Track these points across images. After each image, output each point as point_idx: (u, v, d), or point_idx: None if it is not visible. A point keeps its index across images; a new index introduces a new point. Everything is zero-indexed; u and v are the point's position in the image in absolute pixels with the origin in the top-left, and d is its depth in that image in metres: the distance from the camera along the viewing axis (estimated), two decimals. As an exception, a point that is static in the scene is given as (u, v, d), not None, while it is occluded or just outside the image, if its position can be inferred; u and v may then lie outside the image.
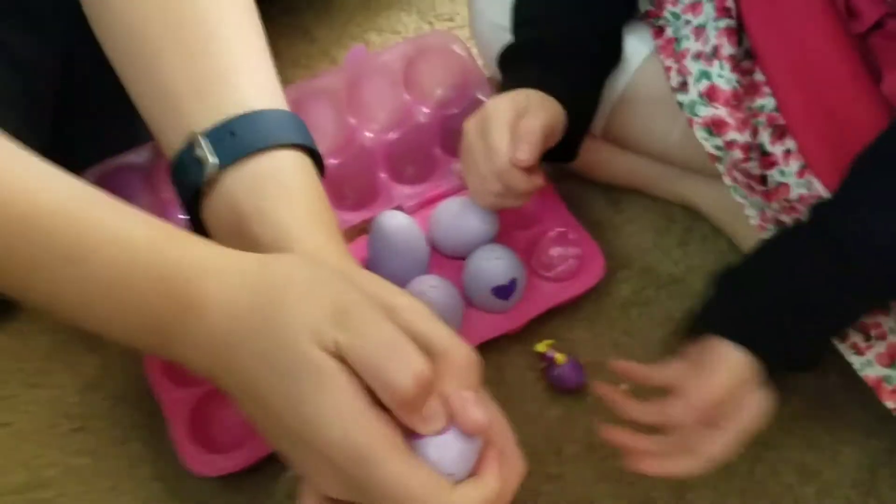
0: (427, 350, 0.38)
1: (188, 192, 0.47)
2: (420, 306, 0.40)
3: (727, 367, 0.51)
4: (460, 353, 0.39)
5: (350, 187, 0.73)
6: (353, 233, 0.69)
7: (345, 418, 0.36)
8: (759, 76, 0.59)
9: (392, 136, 0.74)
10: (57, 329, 0.65)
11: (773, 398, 0.51)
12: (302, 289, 0.38)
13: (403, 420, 0.37)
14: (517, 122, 0.58)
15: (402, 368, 0.36)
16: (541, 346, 0.65)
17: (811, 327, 0.53)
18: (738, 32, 0.59)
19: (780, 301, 0.52)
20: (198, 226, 0.48)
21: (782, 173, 0.59)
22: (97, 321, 0.40)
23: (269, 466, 0.58)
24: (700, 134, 0.60)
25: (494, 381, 0.64)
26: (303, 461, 0.39)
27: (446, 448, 0.38)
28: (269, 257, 0.41)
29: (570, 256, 0.67)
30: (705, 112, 0.59)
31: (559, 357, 0.63)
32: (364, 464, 0.36)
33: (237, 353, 0.38)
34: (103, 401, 0.62)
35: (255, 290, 0.39)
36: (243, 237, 0.45)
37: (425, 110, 0.74)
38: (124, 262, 0.39)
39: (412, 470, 0.36)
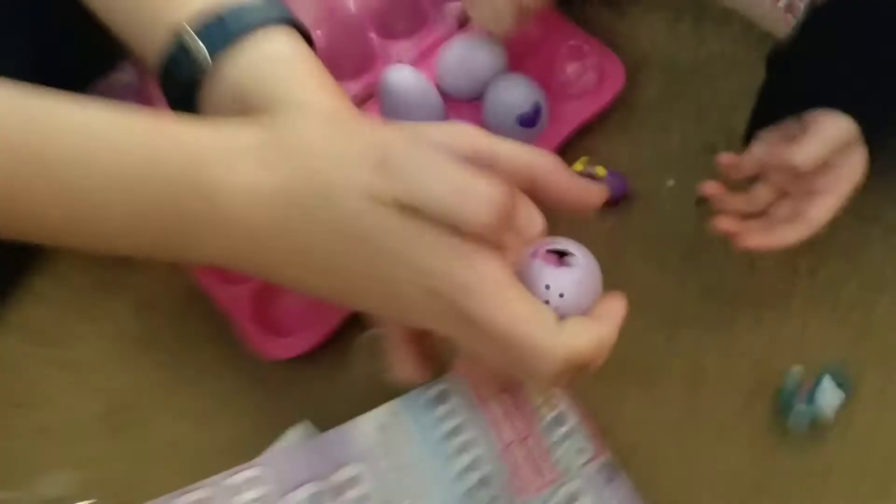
0: (495, 164, 0.36)
1: (181, 91, 0.44)
2: (468, 127, 0.38)
3: (825, 130, 0.50)
4: (539, 159, 0.38)
5: (344, 56, 0.70)
6: (357, 102, 0.67)
7: (441, 258, 0.35)
8: None
9: (374, -7, 0.70)
10: (97, 263, 0.64)
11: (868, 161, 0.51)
12: (328, 151, 0.36)
13: (498, 242, 0.36)
14: None
15: (478, 207, 0.34)
16: (578, 165, 0.63)
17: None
18: None
19: (863, 59, 0.51)
20: None
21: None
22: (106, 237, 0.37)
23: (340, 341, 0.58)
24: None
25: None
26: (397, 307, 0.38)
27: (557, 277, 0.37)
28: (268, 124, 0.38)
29: (587, 69, 0.65)
30: None
31: (599, 170, 0.62)
32: (468, 295, 0.35)
33: (285, 237, 0.36)
34: (162, 317, 0.61)
35: (273, 167, 0.36)
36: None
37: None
38: (117, 170, 0.36)
39: (516, 303, 0.35)
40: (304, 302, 0.60)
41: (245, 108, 0.42)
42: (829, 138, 0.50)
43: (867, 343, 0.58)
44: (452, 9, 0.69)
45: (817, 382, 0.56)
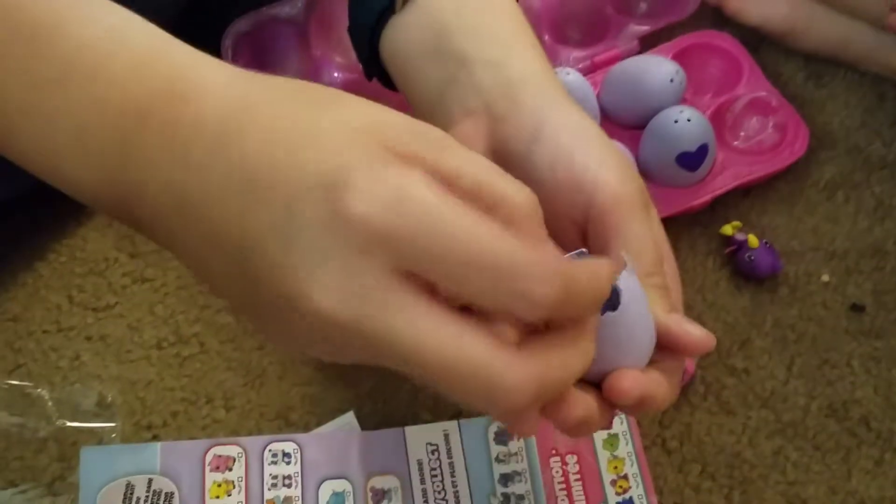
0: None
1: (372, 16, 0.41)
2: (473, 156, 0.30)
3: None
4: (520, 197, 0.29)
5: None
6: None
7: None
8: None
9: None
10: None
11: None
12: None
13: None
14: None
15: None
16: (728, 229, 0.57)
17: None
18: None
19: None
20: (370, 62, 0.43)
21: None
22: (52, 136, 0.31)
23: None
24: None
25: (670, 267, 0.57)
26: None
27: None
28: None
29: (769, 126, 0.58)
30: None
31: (752, 239, 0.55)
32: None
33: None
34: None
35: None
36: (440, 55, 0.38)
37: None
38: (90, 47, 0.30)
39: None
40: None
41: (435, 35, 0.38)
42: None
43: None
44: (636, 30, 0.64)
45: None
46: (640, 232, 0.34)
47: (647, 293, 0.31)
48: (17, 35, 0.30)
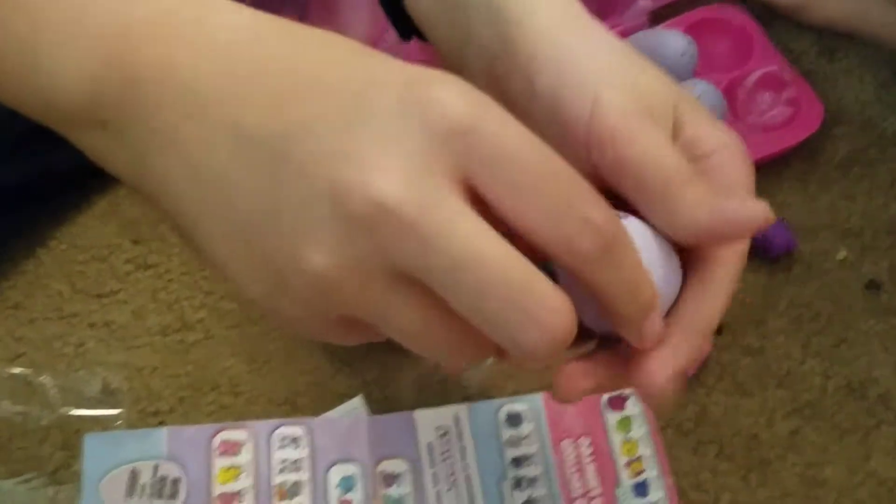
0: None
1: None
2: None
3: None
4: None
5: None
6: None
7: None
8: None
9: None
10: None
11: None
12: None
13: None
14: None
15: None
16: (741, 206, 0.56)
17: None
18: None
19: None
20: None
21: None
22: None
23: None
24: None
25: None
26: None
27: None
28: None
29: (782, 102, 0.57)
30: None
31: (765, 216, 0.54)
32: None
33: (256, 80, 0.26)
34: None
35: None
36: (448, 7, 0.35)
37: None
38: None
39: None
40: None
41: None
42: None
43: None
44: (645, 5, 0.63)
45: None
46: (645, 150, 0.29)
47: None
48: None
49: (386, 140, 0.24)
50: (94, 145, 0.28)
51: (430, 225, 0.23)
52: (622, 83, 0.30)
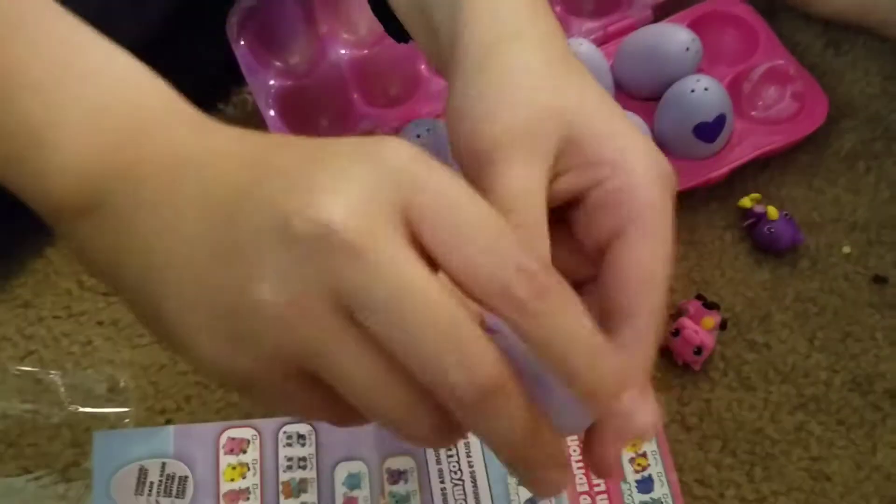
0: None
1: None
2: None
3: None
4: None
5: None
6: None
7: None
8: None
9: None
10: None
11: None
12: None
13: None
14: None
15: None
16: (746, 201, 0.56)
17: None
18: None
19: None
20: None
21: None
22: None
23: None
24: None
25: (687, 242, 0.56)
26: None
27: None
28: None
29: (787, 96, 0.56)
30: None
31: (772, 211, 0.54)
32: None
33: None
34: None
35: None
36: (422, 13, 0.37)
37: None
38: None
39: None
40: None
41: None
42: None
43: None
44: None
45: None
46: (515, 185, 0.31)
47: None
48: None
49: (337, 173, 0.25)
50: (75, 234, 0.31)
51: (371, 252, 0.24)
52: (510, 124, 0.32)
